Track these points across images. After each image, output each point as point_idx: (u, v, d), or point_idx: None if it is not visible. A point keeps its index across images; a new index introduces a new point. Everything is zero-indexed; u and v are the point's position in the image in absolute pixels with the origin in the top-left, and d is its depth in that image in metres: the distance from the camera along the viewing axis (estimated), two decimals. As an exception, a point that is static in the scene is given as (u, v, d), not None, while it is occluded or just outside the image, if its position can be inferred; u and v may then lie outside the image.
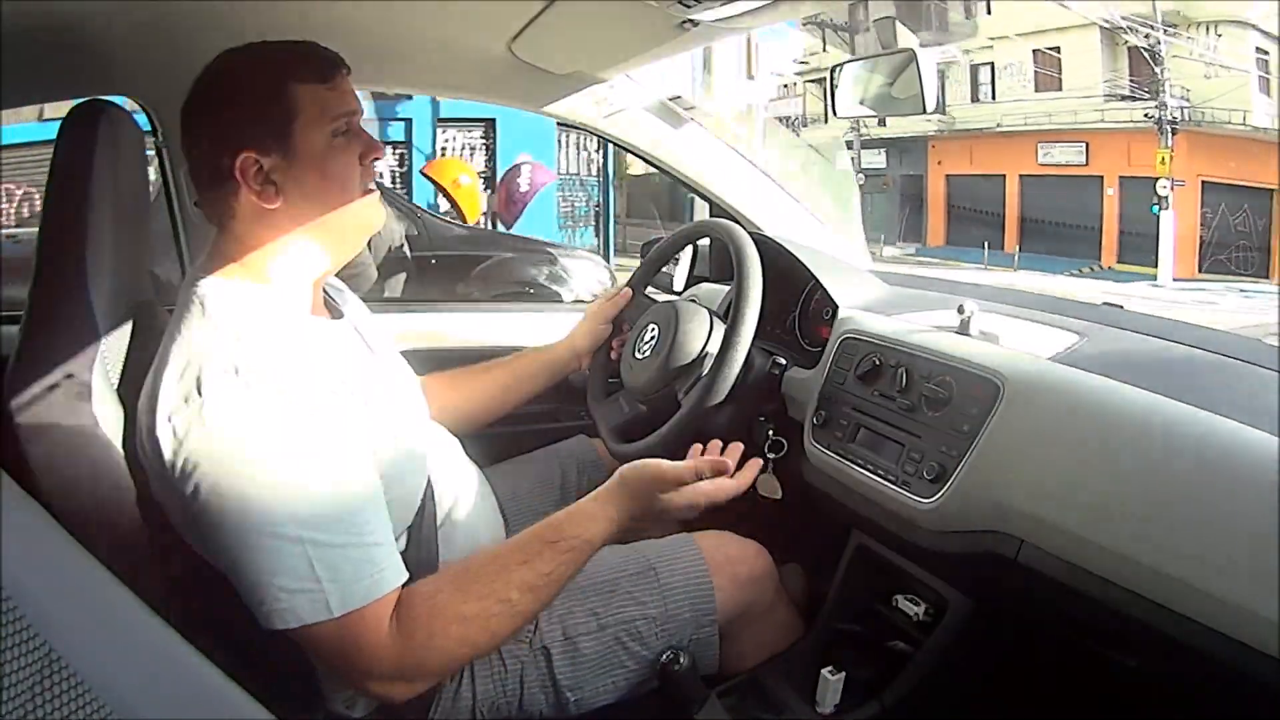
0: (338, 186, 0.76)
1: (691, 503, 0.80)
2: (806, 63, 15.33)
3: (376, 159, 0.79)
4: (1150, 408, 0.71)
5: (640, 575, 0.89)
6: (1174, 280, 11.23)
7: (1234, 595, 0.61)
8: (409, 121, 7.31)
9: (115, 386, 0.76)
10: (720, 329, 0.98)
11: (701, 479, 0.81)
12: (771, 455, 1.04)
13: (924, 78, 1.18)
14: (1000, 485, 0.78)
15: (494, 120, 7.90)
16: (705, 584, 0.90)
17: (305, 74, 0.73)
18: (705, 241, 1.40)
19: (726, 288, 1.11)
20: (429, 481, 0.83)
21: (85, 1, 0.95)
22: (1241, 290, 10.51)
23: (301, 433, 0.67)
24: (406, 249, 3.34)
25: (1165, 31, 11.39)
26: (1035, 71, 13.24)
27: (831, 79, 1.33)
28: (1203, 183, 11.80)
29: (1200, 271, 11.73)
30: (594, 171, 10.09)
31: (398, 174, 7.32)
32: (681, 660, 0.83)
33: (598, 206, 9.99)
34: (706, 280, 1.42)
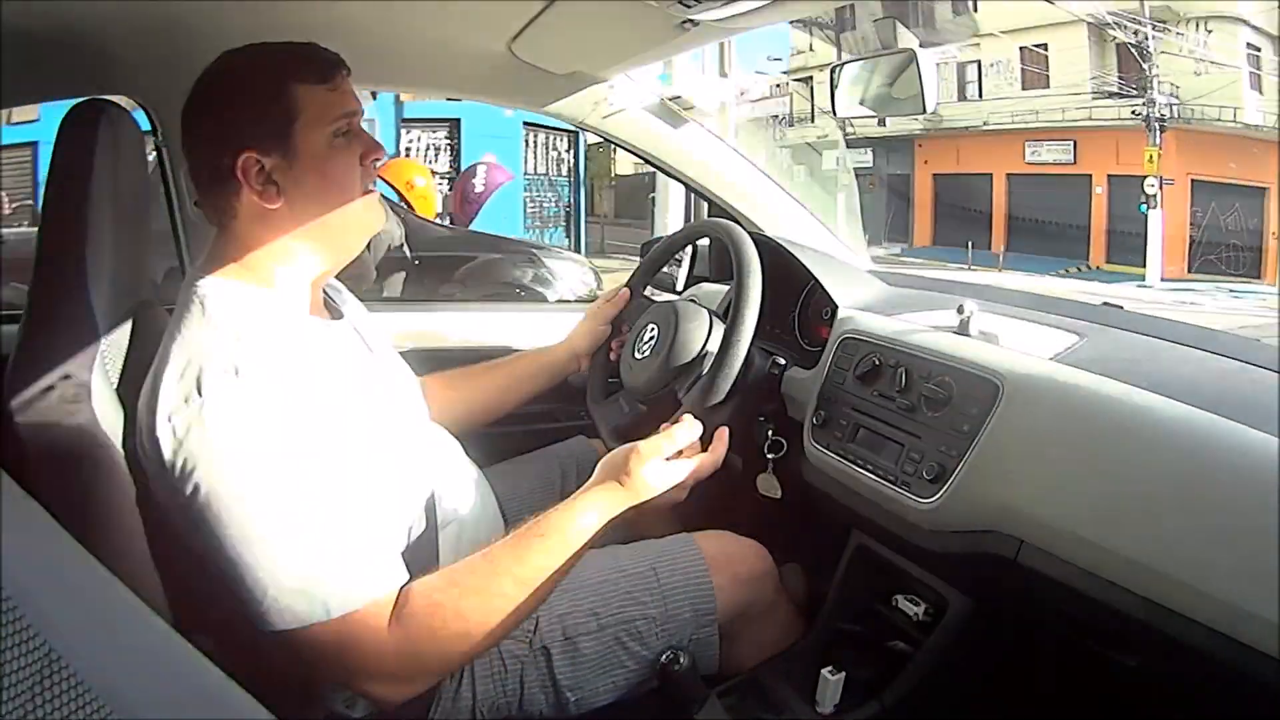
0: (338, 187, 0.76)
1: (675, 478, 0.81)
2: (779, 59, 15.26)
3: (377, 159, 0.79)
4: (1150, 408, 0.71)
5: (640, 575, 0.89)
6: (1162, 280, 11.13)
7: (1234, 595, 0.61)
8: (372, 122, 7.35)
9: (115, 386, 0.76)
10: (720, 329, 0.98)
11: (676, 449, 0.82)
12: (771, 455, 1.04)
13: (924, 78, 1.18)
14: (1000, 485, 0.78)
15: (459, 120, 7.89)
16: (705, 584, 0.90)
17: (306, 75, 0.73)
18: (705, 241, 1.40)
19: (726, 288, 1.11)
20: (429, 482, 0.83)
21: (85, 1, 0.95)
22: (1232, 291, 10.41)
23: (301, 433, 0.67)
24: (406, 249, 3.33)
25: (1154, 27, 11.32)
26: (1022, 69, 13.17)
27: (832, 79, 1.33)
28: (1192, 181, 11.72)
29: (1190, 271, 11.64)
30: (564, 171, 10.08)
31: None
32: (681, 660, 0.83)
33: (568, 206, 9.98)
34: (706, 280, 1.42)
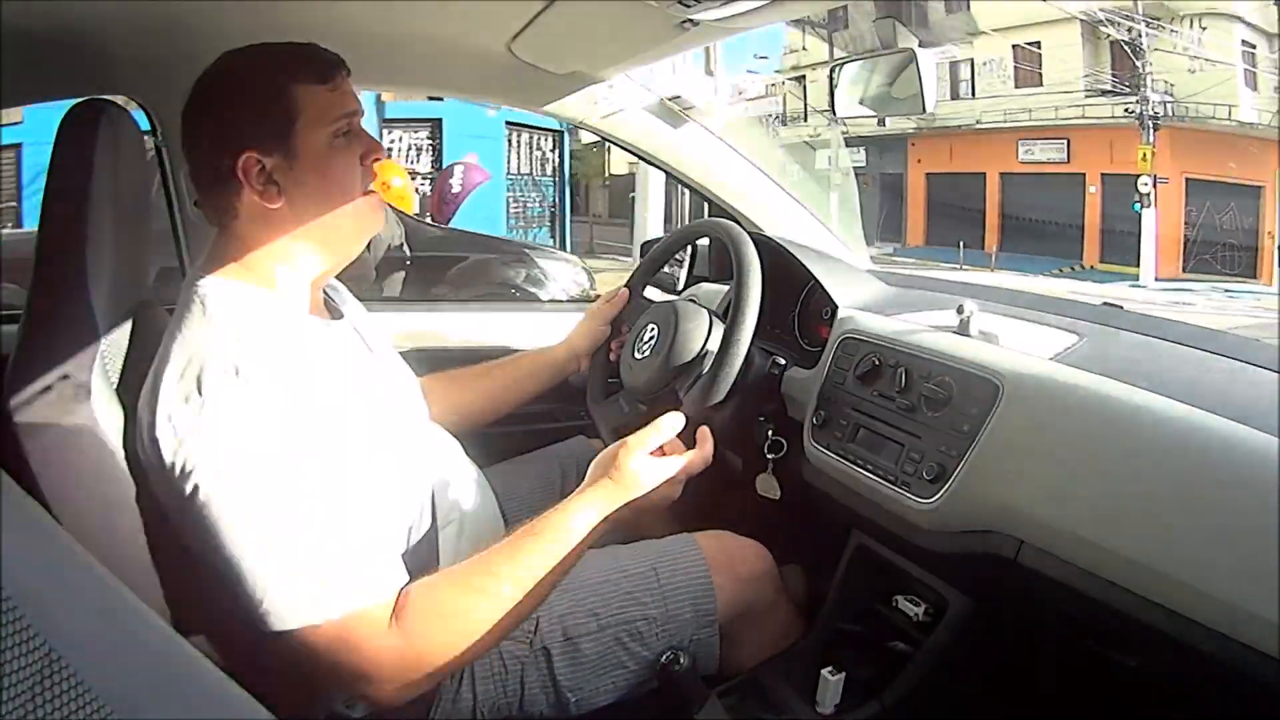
0: (339, 187, 0.76)
1: (665, 472, 0.81)
2: (767, 57, 15.18)
3: (378, 160, 0.79)
4: (1150, 408, 0.71)
5: (641, 576, 0.89)
6: (1156, 280, 11.07)
7: (1234, 595, 0.61)
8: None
9: (115, 386, 0.76)
10: (719, 328, 0.98)
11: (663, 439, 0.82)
12: (771, 455, 1.04)
13: (924, 77, 1.18)
14: (1000, 486, 0.78)
15: (440, 120, 7.87)
16: (706, 584, 0.90)
17: (306, 75, 0.73)
18: (705, 241, 1.40)
19: (726, 288, 1.11)
20: (429, 482, 0.83)
21: (85, 1, 0.95)
22: (1227, 290, 10.36)
23: (301, 433, 0.67)
24: (406, 248, 3.33)
25: (1147, 24, 11.25)
26: (1015, 67, 13.13)
27: (831, 79, 1.33)
28: (1187, 180, 11.65)
29: (1185, 271, 11.59)
30: (549, 171, 10.06)
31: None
32: (682, 660, 0.83)
33: (553, 206, 9.97)
34: (706, 280, 1.42)
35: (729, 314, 0.95)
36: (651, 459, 0.81)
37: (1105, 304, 1.05)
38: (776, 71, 15.69)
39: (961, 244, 12.94)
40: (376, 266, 3.07)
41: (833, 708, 0.90)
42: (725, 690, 0.90)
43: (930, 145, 14.41)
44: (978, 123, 13.54)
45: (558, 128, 9.86)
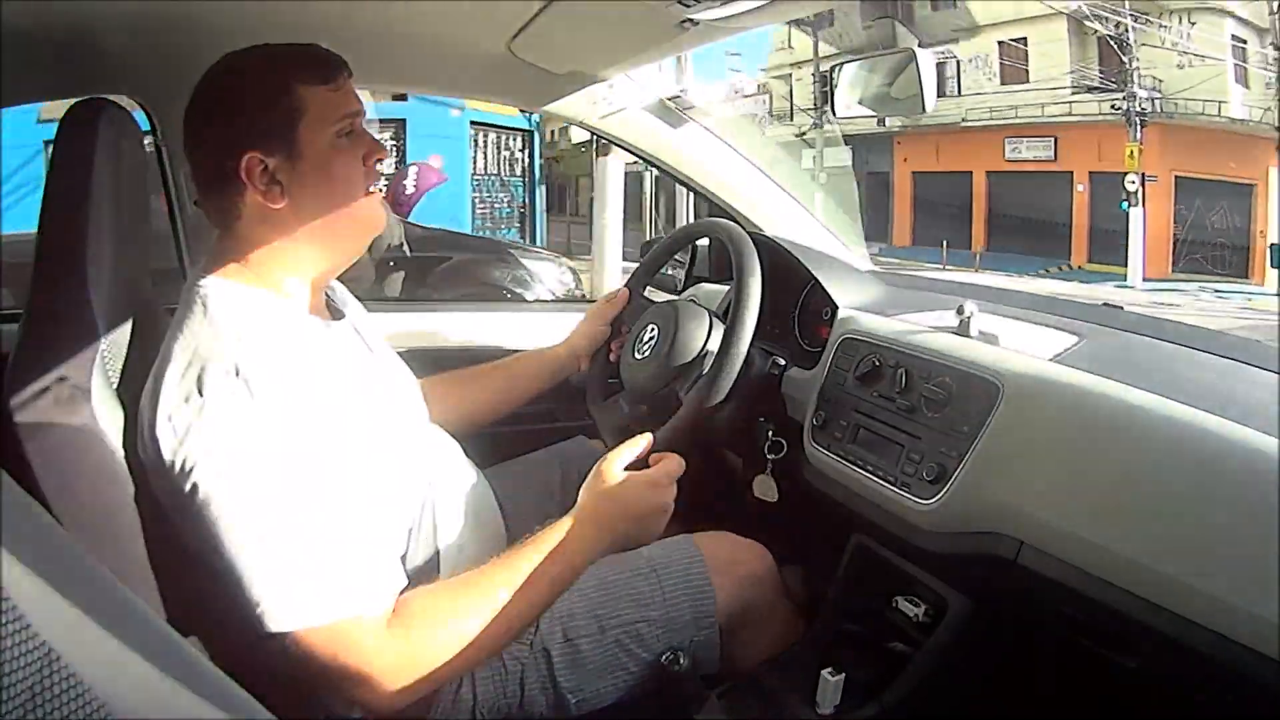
0: (342, 187, 0.76)
1: (654, 481, 0.81)
2: (739, 54, 15.06)
3: (380, 160, 0.79)
4: (1149, 409, 0.71)
5: (641, 577, 0.89)
6: (1144, 280, 10.91)
7: (1234, 596, 0.61)
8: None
9: (115, 386, 0.76)
10: (719, 329, 0.98)
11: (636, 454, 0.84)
12: (771, 456, 1.04)
13: (923, 77, 1.19)
14: (1000, 486, 0.78)
15: (404, 121, 7.84)
16: (705, 585, 0.90)
17: (308, 76, 0.73)
18: (705, 241, 1.40)
19: (726, 288, 1.11)
20: (429, 483, 0.83)
21: (85, 1, 0.95)
22: (1217, 291, 10.24)
23: (302, 434, 0.66)
24: (406, 248, 3.33)
25: (1135, 19, 11.07)
26: (1001, 64, 12.93)
27: (831, 79, 1.33)
28: (1176, 178, 11.45)
29: (1174, 271, 11.41)
30: (519, 171, 10.00)
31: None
32: (682, 661, 0.83)
33: (523, 207, 9.90)
34: (706, 280, 1.42)
35: (729, 314, 0.95)
36: (641, 476, 0.82)
37: (1105, 304, 1.05)
38: (762, 70, 15.64)
39: (945, 244, 12.74)
40: (376, 266, 3.07)
41: (832, 708, 0.90)
42: (725, 691, 0.90)
43: (916, 143, 14.18)
44: (964, 121, 13.32)
45: (527, 127, 9.77)
